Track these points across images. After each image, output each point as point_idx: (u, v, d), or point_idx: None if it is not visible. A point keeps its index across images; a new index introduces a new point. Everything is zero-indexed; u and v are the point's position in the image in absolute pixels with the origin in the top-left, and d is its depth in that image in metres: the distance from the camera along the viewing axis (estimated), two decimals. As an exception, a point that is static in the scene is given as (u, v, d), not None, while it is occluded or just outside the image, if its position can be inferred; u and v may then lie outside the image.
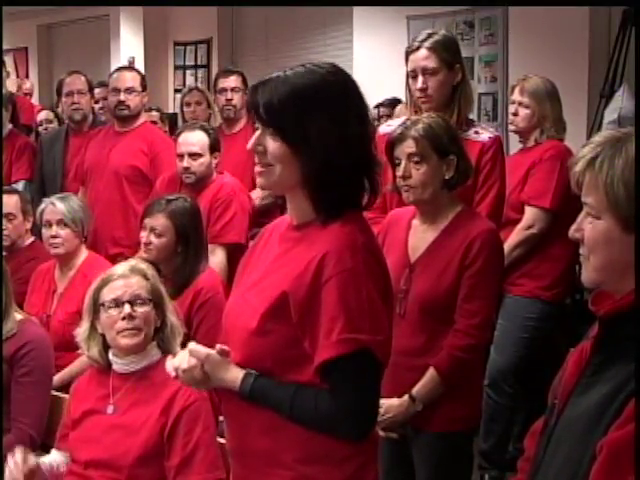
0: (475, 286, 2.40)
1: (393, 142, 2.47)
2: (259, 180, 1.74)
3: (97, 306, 2.44)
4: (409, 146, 2.43)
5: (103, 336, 2.45)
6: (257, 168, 1.74)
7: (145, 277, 2.47)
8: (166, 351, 2.46)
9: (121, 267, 2.49)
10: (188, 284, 3.18)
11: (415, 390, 2.43)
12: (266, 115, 1.68)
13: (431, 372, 2.42)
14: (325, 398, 1.65)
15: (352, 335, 1.60)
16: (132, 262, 2.55)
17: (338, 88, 1.70)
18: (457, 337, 2.41)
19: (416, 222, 2.54)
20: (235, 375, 1.71)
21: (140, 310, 2.41)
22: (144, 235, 3.25)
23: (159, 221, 3.22)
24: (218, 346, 1.74)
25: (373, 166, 1.73)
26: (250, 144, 1.73)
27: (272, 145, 1.69)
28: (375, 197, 1.74)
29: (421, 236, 2.51)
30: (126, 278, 2.44)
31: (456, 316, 2.42)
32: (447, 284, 2.41)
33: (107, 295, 2.42)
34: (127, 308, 2.38)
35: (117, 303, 2.40)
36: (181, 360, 1.75)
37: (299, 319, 1.65)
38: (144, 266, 2.54)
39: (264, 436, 1.72)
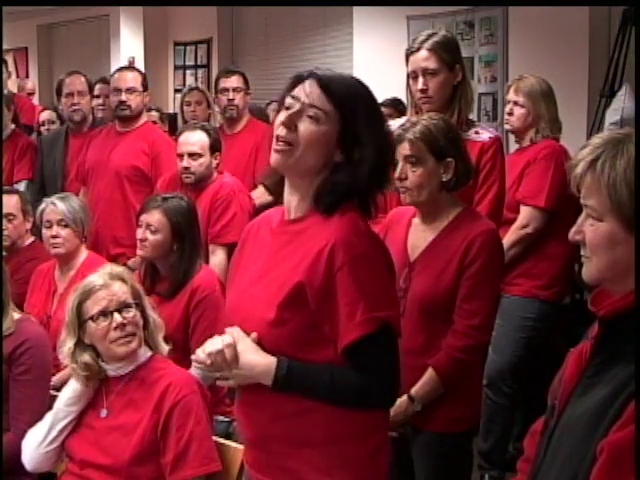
0: (475, 286, 2.39)
1: (392, 143, 2.47)
2: (275, 157, 1.77)
3: (82, 320, 2.42)
4: (405, 148, 2.43)
5: (92, 346, 2.44)
6: (277, 146, 1.76)
7: (124, 281, 2.46)
8: (153, 348, 2.47)
9: (98, 276, 2.46)
10: (185, 282, 3.18)
11: (414, 390, 2.42)
12: (338, 101, 1.75)
13: (430, 372, 2.41)
14: (354, 374, 1.75)
15: (373, 314, 1.72)
16: (107, 269, 2.52)
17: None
18: (456, 338, 2.40)
19: (416, 221, 2.54)
20: (268, 358, 1.77)
21: (129, 316, 2.40)
22: (140, 232, 3.24)
23: (154, 217, 3.21)
24: (254, 334, 1.79)
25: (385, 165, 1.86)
26: (283, 117, 1.76)
27: (311, 127, 1.74)
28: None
29: (421, 235, 2.50)
30: (107, 287, 2.41)
31: (455, 316, 2.41)
32: (446, 284, 2.40)
33: (93, 308, 2.40)
34: (117, 317, 2.38)
35: (105, 314, 2.39)
36: (213, 343, 1.81)
37: (317, 306, 1.74)
38: (119, 269, 2.53)
39: (296, 419, 1.79)
